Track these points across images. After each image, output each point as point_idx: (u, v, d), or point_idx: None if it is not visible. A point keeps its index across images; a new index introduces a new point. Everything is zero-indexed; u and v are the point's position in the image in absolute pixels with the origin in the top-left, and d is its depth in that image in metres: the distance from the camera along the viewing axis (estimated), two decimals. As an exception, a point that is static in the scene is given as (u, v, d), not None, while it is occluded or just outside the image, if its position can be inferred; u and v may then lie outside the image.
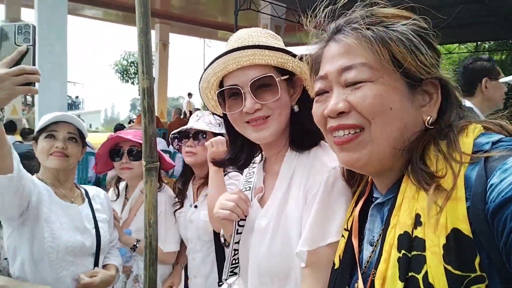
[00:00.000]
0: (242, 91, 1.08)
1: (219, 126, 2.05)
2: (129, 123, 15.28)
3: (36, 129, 1.79)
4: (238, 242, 1.26)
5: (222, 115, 1.22)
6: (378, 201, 0.84)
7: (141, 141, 2.17)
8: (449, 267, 0.60)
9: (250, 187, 1.32)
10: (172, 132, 2.23)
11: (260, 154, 1.30)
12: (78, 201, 1.88)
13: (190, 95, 19.11)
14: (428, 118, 0.75)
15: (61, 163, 1.75)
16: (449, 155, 0.68)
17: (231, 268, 1.27)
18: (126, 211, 2.22)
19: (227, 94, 1.14)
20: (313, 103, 0.87)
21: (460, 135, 0.71)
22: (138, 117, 8.41)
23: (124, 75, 27.91)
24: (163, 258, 2.09)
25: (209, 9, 12.95)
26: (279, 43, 1.16)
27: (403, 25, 0.76)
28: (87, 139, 1.95)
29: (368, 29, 0.75)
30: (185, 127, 2.11)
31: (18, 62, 1.14)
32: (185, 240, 2.18)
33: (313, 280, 0.97)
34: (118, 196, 2.31)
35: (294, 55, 1.09)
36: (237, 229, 1.24)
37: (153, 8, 12.67)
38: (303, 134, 1.13)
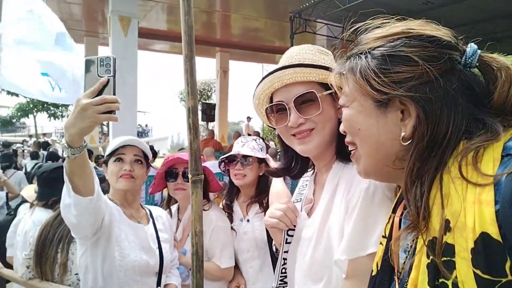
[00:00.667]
0: (287, 107, 1.15)
1: (261, 150, 2.24)
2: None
3: (106, 153, 1.94)
4: (287, 251, 1.29)
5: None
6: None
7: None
8: (477, 271, 0.59)
9: (301, 198, 1.36)
10: (220, 158, 2.37)
11: (313, 166, 1.34)
12: (144, 221, 1.99)
13: (249, 118, 19.61)
14: (403, 133, 0.74)
15: (129, 184, 1.89)
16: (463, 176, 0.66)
17: (281, 277, 1.30)
18: (179, 232, 2.32)
19: (275, 109, 1.22)
20: None
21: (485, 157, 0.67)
22: (203, 141, 8.79)
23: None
24: (222, 275, 2.16)
25: (266, 35, 13.36)
26: (327, 58, 1.21)
27: (381, 46, 0.77)
28: (155, 164, 2.11)
29: (347, 59, 0.84)
30: (232, 152, 2.27)
31: (100, 92, 1.24)
32: (237, 252, 2.23)
33: None
34: (171, 217, 2.43)
35: None
36: (286, 239, 1.28)
37: (214, 38, 13.43)
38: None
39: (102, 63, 1.25)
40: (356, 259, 0.97)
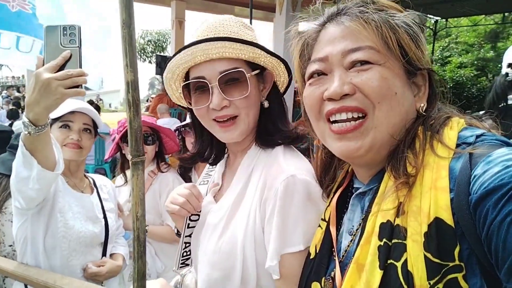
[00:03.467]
0: (209, 85, 1.03)
1: None
2: (147, 101, 15.41)
3: (52, 115, 1.73)
4: (190, 236, 1.25)
5: (186, 107, 1.18)
6: (360, 190, 0.83)
7: (152, 125, 2.22)
8: (428, 255, 0.61)
9: (208, 180, 1.30)
10: (176, 126, 2.31)
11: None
12: (88, 191, 1.92)
13: None
14: (422, 105, 0.76)
15: (75, 154, 1.77)
16: (432, 149, 0.68)
17: (182, 259, 1.28)
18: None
19: (193, 87, 1.09)
20: (306, 86, 0.84)
21: (444, 127, 0.71)
22: (155, 98, 8.43)
23: (142, 54, 28.05)
24: (175, 238, 2.13)
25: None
26: (252, 34, 1.11)
27: (404, 16, 0.76)
28: (105, 120, 1.98)
29: (374, 14, 0.75)
30: (186, 122, 2.24)
31: (64, 65, 1.11)
32: None
33: None
34: (126, 181, 2.35)
35: (266, 50, 1.05)
36: (188, 223, 1.23)
37: (169, -15, 12.52)
38: (269, 131, 1.10)
39: (65, 32, 1.11)
40: (284, 258, 0.95)
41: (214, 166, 1.30)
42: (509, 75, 3.01)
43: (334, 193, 0.93)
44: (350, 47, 0.74)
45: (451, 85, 14.85)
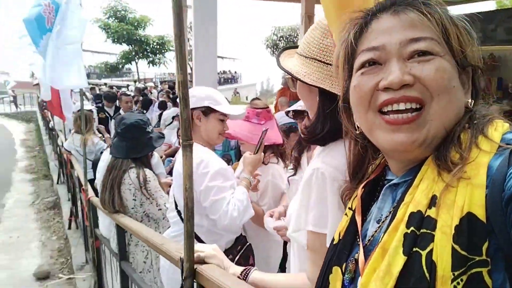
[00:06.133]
0: None
1: None
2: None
3: (217, 107, 2.12)
4: None
5: None
6: (393, 182, 0.83)
7: (239, 136, 2.44)
8: (456, 247, 0.61)
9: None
10: (286, 110, 2.41)
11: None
12: None
13: None
14: (470, 101, 0.76)
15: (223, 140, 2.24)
16: (477, 144, 0.68)
17: None
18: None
19: None
20: (356, 75, 0.81)
21: (489, 127, 0.71)
22: (278, 92, 8.87)
23: (275, 50, 29.32)
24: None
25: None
26: None
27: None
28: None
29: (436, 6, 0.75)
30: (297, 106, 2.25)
31: None
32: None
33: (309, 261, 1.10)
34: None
35: None
36: None
37: (300, -20, 12.77)
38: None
39: None
40: (309, 234, 1.07)
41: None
42: None
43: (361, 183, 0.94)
44: (410, 36, 0.72)
45: None
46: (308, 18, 14.49)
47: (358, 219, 0.87)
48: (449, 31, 0.72)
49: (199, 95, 2.11)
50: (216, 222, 1.93)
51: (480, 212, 0.61)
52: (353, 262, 0.83)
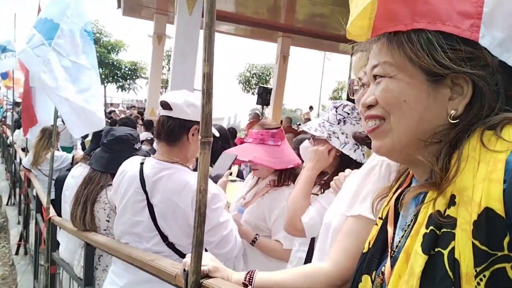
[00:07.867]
0: None
1: (339, 123, 1.82)
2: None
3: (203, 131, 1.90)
4: None
5: None
6: (412, 186, 0.86)
7: (264, 163, 2.22)
8: (476, 242, 0.62)
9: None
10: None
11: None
12: None
13: (311, 108, 20.16)
14: (452, 112, 0.75)
15: None
16: (490, 144, 0.69)
17: None
18: (251, 193, 2.26)
19: None
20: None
21: (504, 126, 0.71)
22: (247, 125, 8.92)
23: (246, 86, 29.98)
24: (282, 256, 2.03)
25: (332, 22, 12.99)
26: None
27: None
28: None
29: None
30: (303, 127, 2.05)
31: None
32: None
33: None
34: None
35: None
36: None
37: (277, 22, 13.34)
38: None
39: None
40: (352, 218, 1.11)
41: None
42: None
43: (394, 193, 0.95)
44: (373, 63, 0.84)
45: None
46: (283, 58, 15.07)
47: (390, 230, 0.88)
48: (396, 52, 0.78)
49: (200, 106, 1.94)
50: (224, 256, 1.74)
51: (498, 207, 0.61)
52: (380, 275, 0.84)
